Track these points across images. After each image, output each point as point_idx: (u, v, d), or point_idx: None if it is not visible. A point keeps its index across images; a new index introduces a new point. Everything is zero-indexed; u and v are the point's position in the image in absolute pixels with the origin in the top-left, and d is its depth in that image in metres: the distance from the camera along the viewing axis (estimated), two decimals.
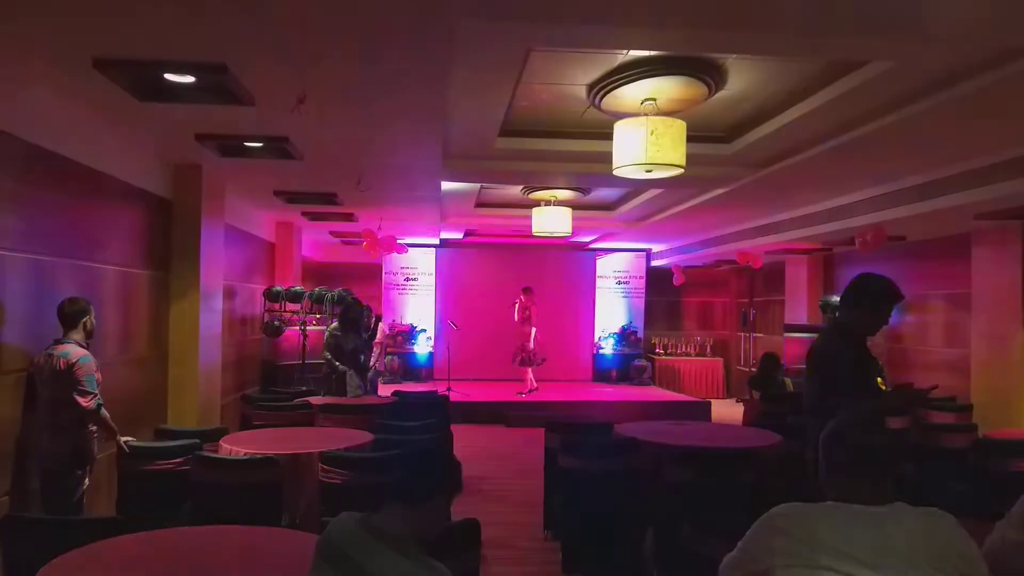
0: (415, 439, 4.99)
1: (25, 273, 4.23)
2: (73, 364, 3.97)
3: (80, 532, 2.74)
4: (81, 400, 3.97)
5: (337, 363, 7.30)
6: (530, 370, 11.47)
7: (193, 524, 3.02)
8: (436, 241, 13.06)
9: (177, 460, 4.23)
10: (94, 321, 4.24)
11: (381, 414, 5.91)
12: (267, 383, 8.96)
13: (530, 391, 11.42)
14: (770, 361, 8.40)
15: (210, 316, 6.53)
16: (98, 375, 4.12)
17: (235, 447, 4.41)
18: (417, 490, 1.92)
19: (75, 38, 3.49)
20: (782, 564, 1.75)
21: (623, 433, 5.05)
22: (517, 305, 11.38)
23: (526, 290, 11.38)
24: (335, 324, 7.73)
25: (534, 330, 11.27)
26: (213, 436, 4.72)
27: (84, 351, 4.07)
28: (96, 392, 4.07)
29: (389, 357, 12.87)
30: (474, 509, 5.74)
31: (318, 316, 9.52)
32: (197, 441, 4.40)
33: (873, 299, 3.39)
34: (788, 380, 8.88)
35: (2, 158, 4.00)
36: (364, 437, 4.80)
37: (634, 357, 13.63)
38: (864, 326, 3.43)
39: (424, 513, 1.91)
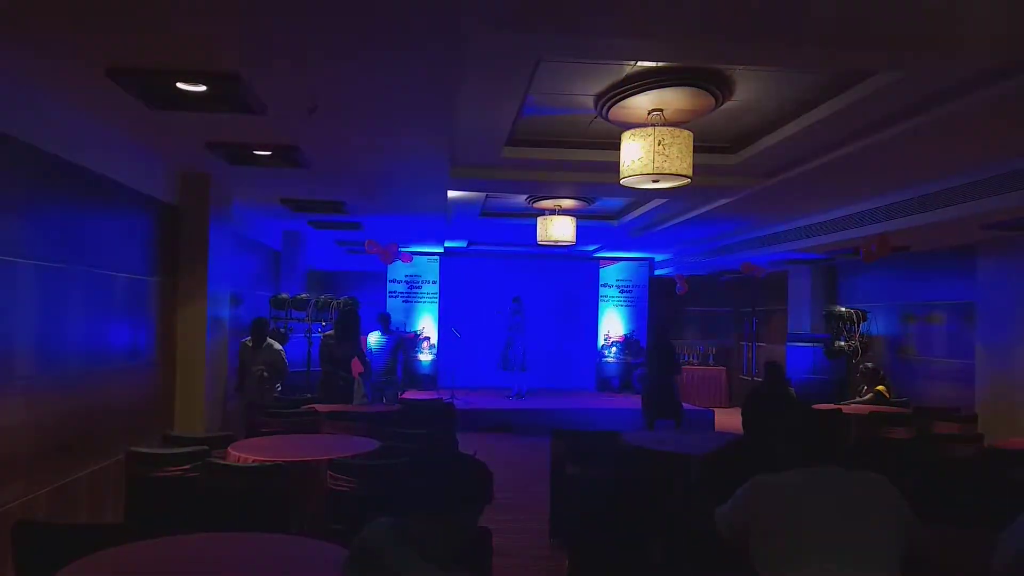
0: (436, 446, 5.00)
1: (35, 279, 4.26)
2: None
3: (90, 538, 2.75)
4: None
5: (334, 371, 7.33)
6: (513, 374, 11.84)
7: (201, 531, 3.02)
8: (440, 249, 13.09)
9: (185, 467, 4.24)
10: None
11: (387, 422, 5.92)
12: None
13: (517, 395, 11.76)
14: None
15: (217, 323, 6.55)
16: None
17: (243, 454, 4.42)
18: (449, 500, 1.93)
19: (90, 47, 3.53)
20: (764, 506, 2.23)
21: (630, 441, 5.06)
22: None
23: (515, 299, 11.98)
24: (330, 331, 7.76)
25: (509, 336, 11.85)
26: (221, 443, 4.73)
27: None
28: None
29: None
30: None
31: (323, 323, 9.53)
32: (205, 448, 4.40)
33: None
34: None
35: (14, 165, 4.03)
36: (370, 444, 4.82)
37: (637, 366, 13.62)
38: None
39: (454, 523, 1.92)
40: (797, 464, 2.35)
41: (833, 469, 2.30)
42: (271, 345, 7.43)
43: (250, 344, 7.34)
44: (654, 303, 14.15)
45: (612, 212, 10.01)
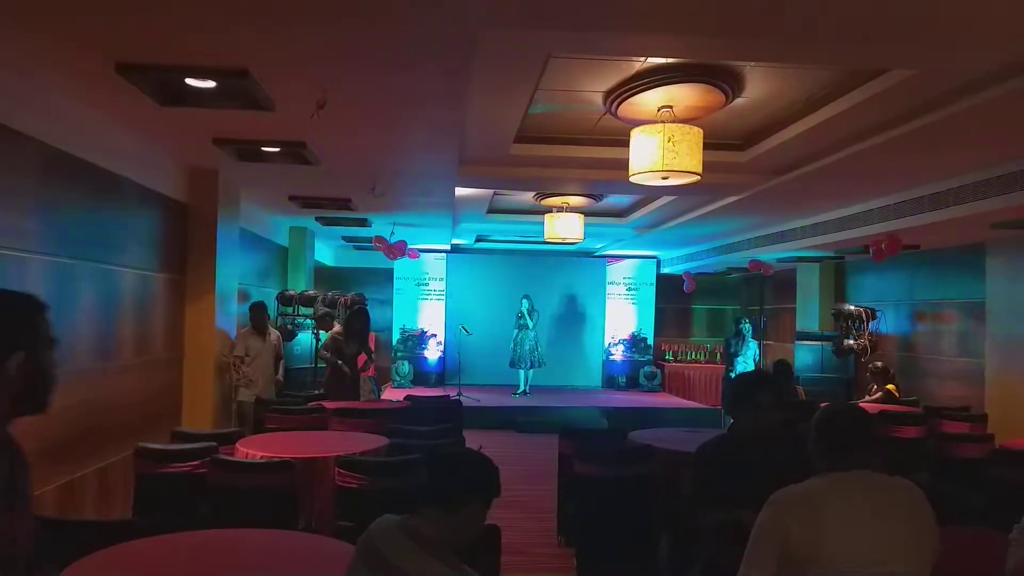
0: (445, 443, 5.01)
1: (45, 275, 4.27)
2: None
3: (98, 534, 2.75)
4: None
5: (341, 364, 7.33)
6: (523, 372, 11.87)
7: (210, 527, 3.03)
8: (447, 247, 13.09)
9: (194, 463, 4.24)
10: None
11: (395, 418, 5.92)
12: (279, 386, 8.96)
13: (523, 392, 11.84)
14: (782, 368, 8.36)
15: (225, 319, 6.56)
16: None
17: (251, 450, 4.43)
18: (454, 495, 1.92)
19: (99, 43, 3.52)
20: (796, 522, 2.04)
21: (637, 440, 5.04)
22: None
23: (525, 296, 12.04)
24: (338, 328, 7.76)
25: (515, 332, 11.88)
26: (229, 439, 4.73)
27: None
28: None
29: (397, 362, 12.94)
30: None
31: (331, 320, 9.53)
32: (213, 444, 4.40)
33: None
34: (800, 388, 8.87)
35: (24, 161, 4.04)
36: (378, 441, 4.82)
37: (644, 363, 13.61)
38: None
39: (461, 519, 1.92)
40: (823, 468, 2.17)
41: (862, 474, 2.13)
42: (273, 331, 7.38)
43: (255, 332, 7.05)
44: (662, 300, 14.11)
45: (620, 209, 9.99)
